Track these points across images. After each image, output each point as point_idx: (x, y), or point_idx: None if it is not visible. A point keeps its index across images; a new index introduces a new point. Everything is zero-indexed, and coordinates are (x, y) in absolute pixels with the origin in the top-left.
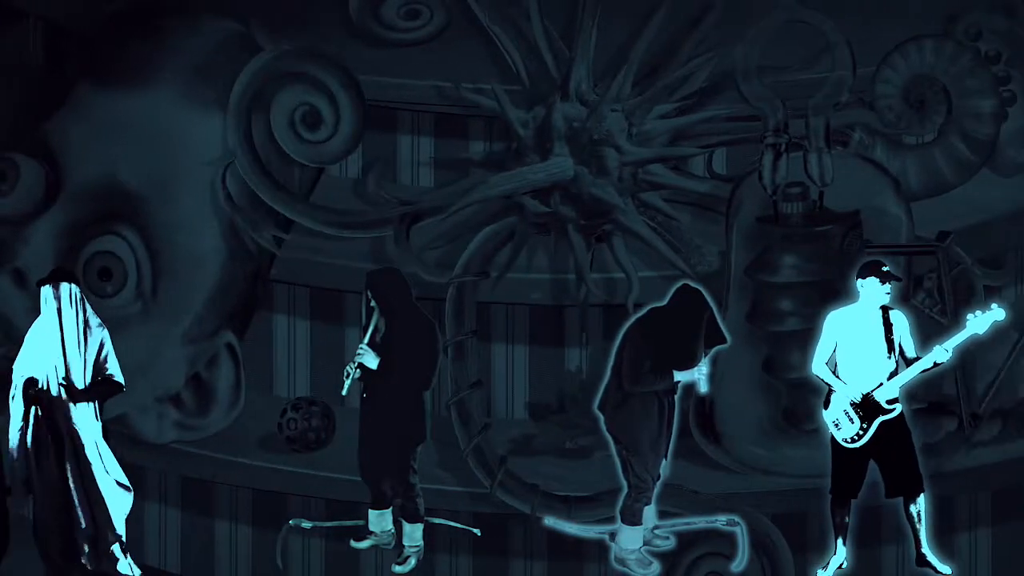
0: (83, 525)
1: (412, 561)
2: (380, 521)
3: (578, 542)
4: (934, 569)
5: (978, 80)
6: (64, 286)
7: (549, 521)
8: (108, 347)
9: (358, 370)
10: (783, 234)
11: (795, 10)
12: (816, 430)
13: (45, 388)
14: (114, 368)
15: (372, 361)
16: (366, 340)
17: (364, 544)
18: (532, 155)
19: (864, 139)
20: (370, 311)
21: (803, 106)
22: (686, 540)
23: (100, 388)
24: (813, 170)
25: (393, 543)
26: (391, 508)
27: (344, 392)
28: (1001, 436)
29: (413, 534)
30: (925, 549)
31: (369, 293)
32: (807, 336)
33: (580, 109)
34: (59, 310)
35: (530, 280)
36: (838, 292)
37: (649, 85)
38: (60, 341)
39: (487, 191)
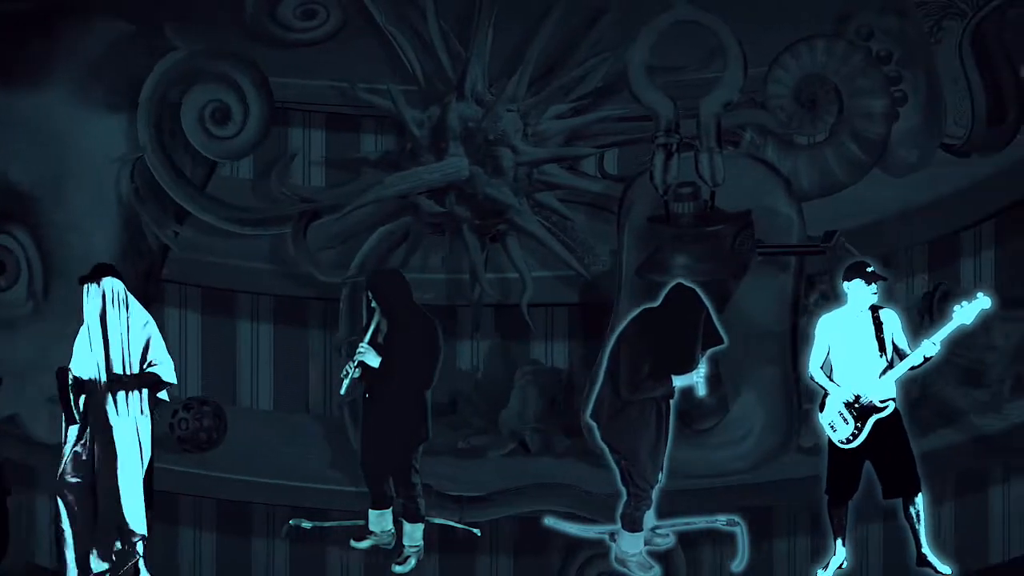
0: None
1: (412, 561)
2: (380, 521)
3: (471, 537)
4: (934, 569)
5: (869, 80)
6: (106, 282)
7: (549, 521)
8: (156, 342)
9: (358, 370)
10: (674, 234)
11: (686, 11)
12: (708, 430)
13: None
14: (162, 362)
15: (374, 360)
16: (367, 340)
17: (364, 544)
18: (427, 155)
19: (755, 139)
20: (371, 311)
21: (695, 106)
22: (576, 542)
23: (143, 378)
24: (704, 170)
25: (393, 543)
26: (391, 508)
27: (343, 391)
28: None
29: (413, 534)
30: (925, 549)
31: (370, 293)
32: None
33: (476, 109)
34: (103, 307)
35: (424, 280)
36: (729, 292)
37: (545, 85)
38: (103, 337)
39: (382, 191)
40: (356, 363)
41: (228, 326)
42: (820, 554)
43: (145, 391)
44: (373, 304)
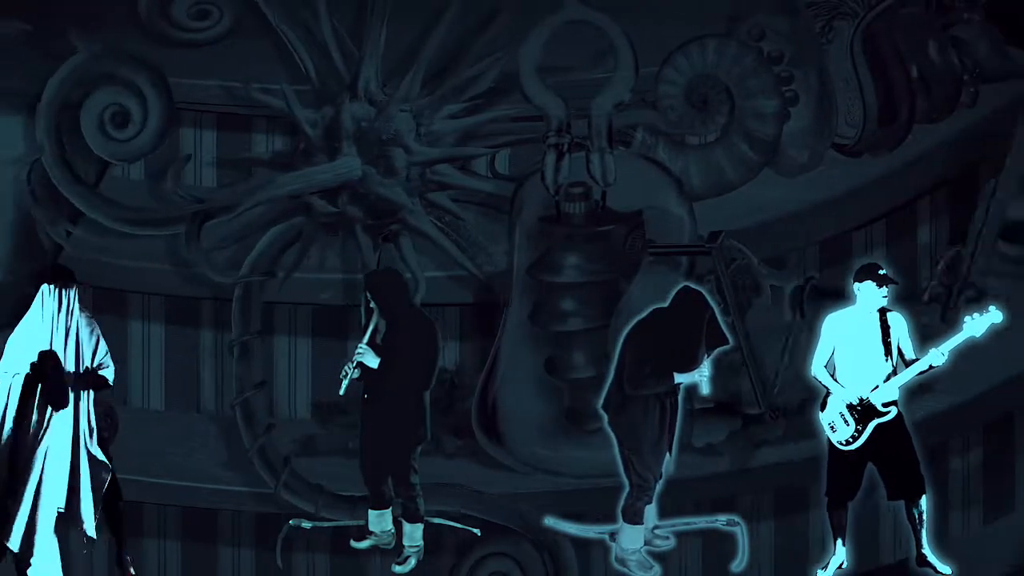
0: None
1: (412, 561)
2: (380, 521)
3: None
4: (934, 569)
5: (760, 80)
6: (63, 288)
7: (549, 521)
8: (102, 346)
9: (357, 370)
10: (565, 234)
11: (578, 11)
12: (599, 430)
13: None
14: (109, 365)
15: (372, 360)
16: (365, 340)
17: (364, 544)
18: (320, 155)
19: (647, 139)
20: (369, 312)
21: (586, 106)
22: (470, 540)
23: (96, 378)
24: (595, 170)
25: (393, 543)
26: (391, 508)
27: (341, 392)
28: (785, 436)
29: (413, 534)
30: (926, 550)
31: (368, 294)
32: (589, 336)
33: (369, 109)
34: (57, 309)
35: (318, 280)
36: (620, 292)
37: (438, 85)
38: (63, 340)
39: (275, 191)
40: (355, 364)
41: (120, 326)
42: (709, 551)
43: (91, 392)
44: (372, 304)
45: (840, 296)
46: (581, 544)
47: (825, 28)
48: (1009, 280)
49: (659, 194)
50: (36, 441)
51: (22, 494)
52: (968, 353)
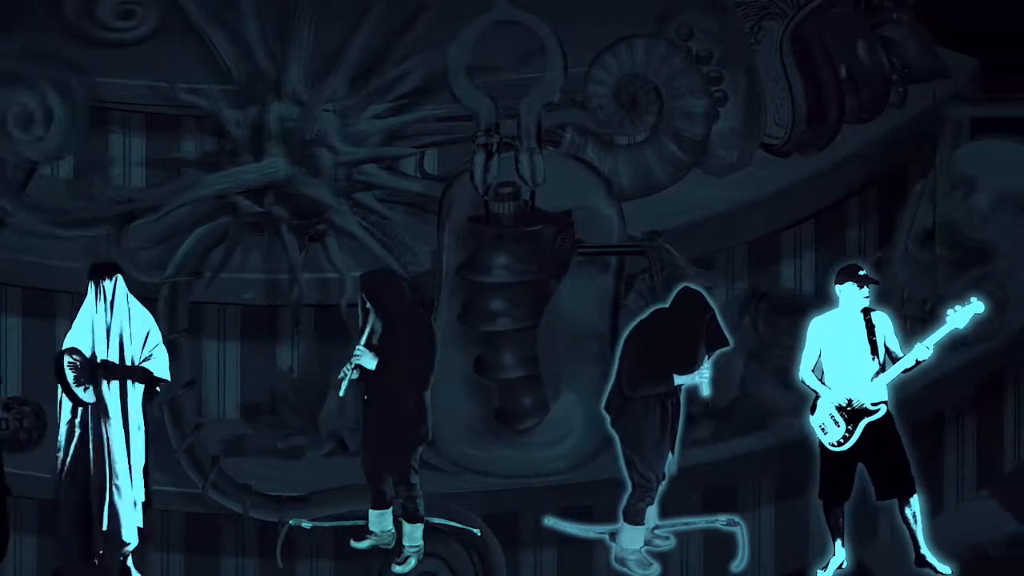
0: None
1: (412, 561)
2: (380, 521)
3: (285, 540)
4: (934, 569)
5: (689, 80)
6: (111, 279)
7: (549, 521)
8: (154, 338)
9: (355, 372)
10: (494, 234)
11: (507, 10)
12: (529, 430)
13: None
14: (157, 357)
15: (371, 362)
16: (363, 342)
17: (364, 544)
18: (246, 155)
19: (576, 139)
20: (366, 313)
21: (515, 106)
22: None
23: (138, 371)
24: (524, 170)
25: (393, 543)
26: (391, 508)
27: (341, 394)
28: (714, 436)
29: (413, 534)
30: (924, 550)
31: (365, 295)
32: (518, 336)
33: (294, 109)
34: (108, 303)
35: (244, 280)
36: (549, 292)
37: (364, 85)
38: (105, 335)
39: (201, 191)
40: (353, 366)
41: (47, 326)
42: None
43: (140, 385)
44: (368, 306)
45: (797, 310)
46: (511, 544)
47: (754, 28)
48: (935, 281)
49: (588, 194)
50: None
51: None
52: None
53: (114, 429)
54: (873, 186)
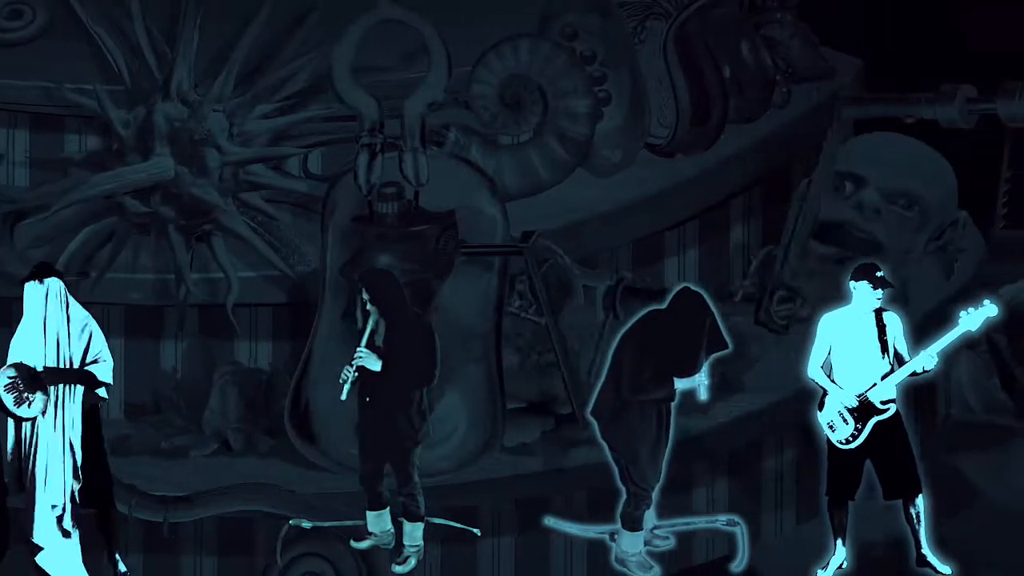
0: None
1: (412, 561)
2: (378, 522)
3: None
4: (934, 569)
5: (573, 80)
6: (48, 281)
7: (550, 521)
8: (96, 340)
9: (356, 373)
10: (378, 233)
11: (391, 10)
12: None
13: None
14: (104, 360)
15: (375, 364)
16: (363, 343)
17: (364, 544)
18: (133, 155)
19: (460, 139)
20: (366, 314)
21: (399, 106)
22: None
23: (82, 374)
24: (408, 170)
25: (393, 543)
26: (388, 508)
27: (343, 396)
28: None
29: (413, 533)
30: (925, 549)
31: (365, 295)
32: None
33: (182, 109)
34: (45, 305)
35: (131, 280)
36: (433, 292)
37: (250, 85)
38: (43, 337)
39: (88, 191)
40: (355, 368)
41: None
42: (523, 552)
43: (80, 388)
44: (369, 307)
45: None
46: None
47: (638, 28)
48: (821, 279)
49: (472, 194)
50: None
51: (31, 491)
52: (782, 352)
53: (44, 432)
54: (757, 186)
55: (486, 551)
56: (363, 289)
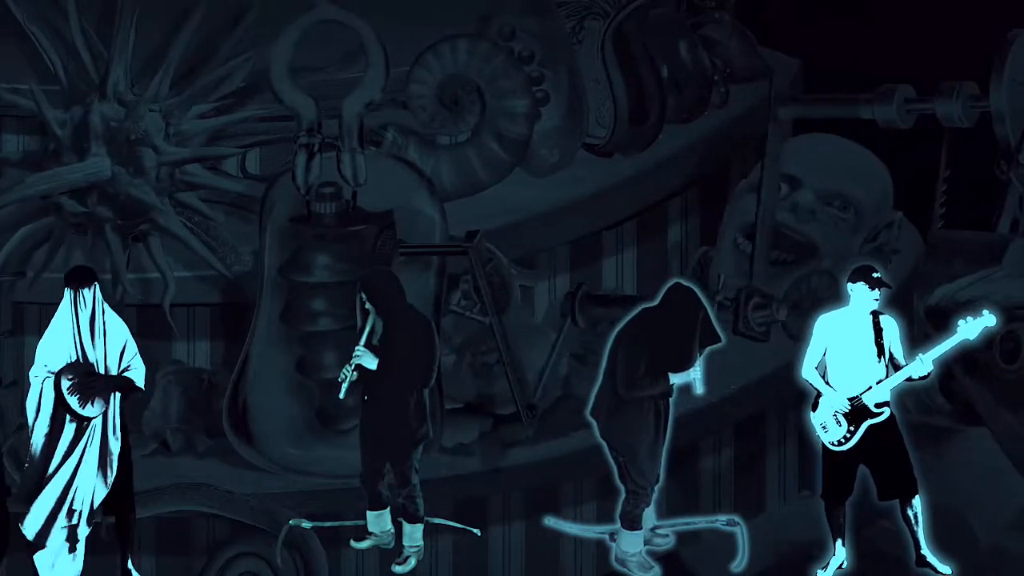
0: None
1: (412, 561)
2: (379, 522)
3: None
4: (934, 569)
5: (511, 80)
6: (90, 287)
7: (550, 521)
8: (131, 348)
9: (355, 372)
10: (316, 234)
11: (329, 10)
12: (350, 431)
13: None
14: (137, 367)
15: (371, 362)
16: (362, 342)
17: (364, 544)
18: (70, 155)
19: (398, 139)
20: (365, 313)
21: (337, 106)
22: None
23: (121, 380)
24: (346, 170)
25: (393, 543)
26: (388, 508)
27: (342, 395)
28: (536, 436)
29: (413, 534)
30: (924, 550)
31: (364, 295)
32: (340, 336)
33: (118, 109)
34: (89, 311)
35: None
36: None
37: (187, 85)
38: (77, 341)
39: (24, 191)
40: (353, 366)
41: None
42: (463, 552)
43: (118, 394)
44: (367, 306)
45: (614, 303)
46: (332, 543)
47: (576, 28)
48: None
49: (410, 194)
50: (59, 443)
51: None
52: (717, 353)
53: (111, 438)
54: (695, 186)
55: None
56: (361, 289)
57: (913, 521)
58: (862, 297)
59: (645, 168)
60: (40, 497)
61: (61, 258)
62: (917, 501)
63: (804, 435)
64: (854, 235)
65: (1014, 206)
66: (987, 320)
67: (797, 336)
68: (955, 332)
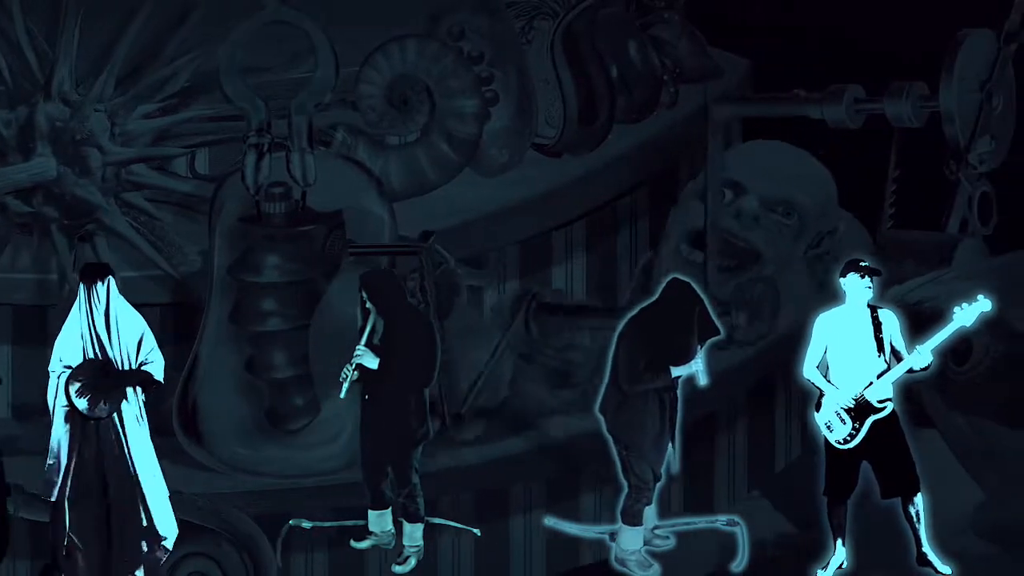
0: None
1: (412, 561)
2: (380, 521)
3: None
4: (934, 569)
5: (460, 80)
6: (103, 281)
7: (550, 522)
8: (148, 340)
9: (356, 372)
10: (265, 234)
11: (278, 10)
12: (299, 431)
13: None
14: (155, 360)
15: (372, 362)
16: (363, 341)
17: (364, 544)
18: (15, 155)
19: (347, 139)
20: (366, 312)
21: (286, 106)
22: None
23: (140, 374)
24: (296, 170)
25: (393, 543)
26: (390, 508)
27: (343, 395)
28: (484, 437)
29: (413, 534)
30: (926, 548)
31: (364, 295)
32: (289, 336)
33: (63, 109)
34: (104, 306)
35: (13, 280)
36: (320, 292)
37: (132, 85)
38: (93, 337)
39: None
40: (354, 366)
41: None
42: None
43: (139, 389)
44: (368, 305)
45: (567, 312)
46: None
47: (526, 28)
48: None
49: (359, 194)
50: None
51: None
52: None
53: (132, 430)
54: (644, 186)
55: (377, 554)
56: (362, 288)
57: (915, 519)
58: (855, 288)
59: (594, 168)
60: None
61: (7, 258)
62: (919, 499)
63: (753, 436)
64: (797, 241)
65: (963, 206)
66: (983, 305)
67: (750, 342)
68: (951, 320)
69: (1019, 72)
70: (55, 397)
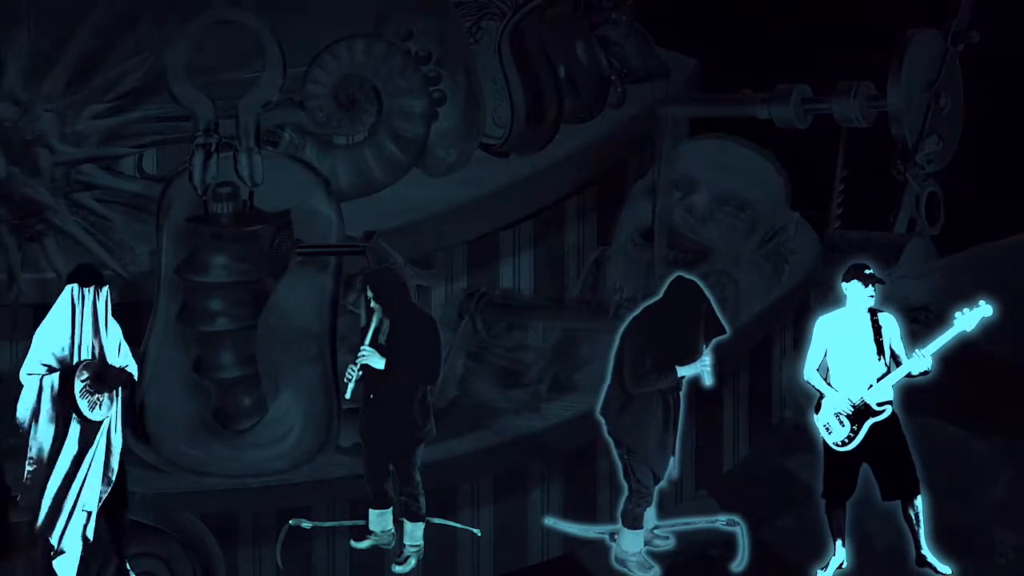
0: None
1: (412, 561)
2: (381, 521)
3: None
4: (934, 569)
5: (408, 80)
6: (99, 290)
7: (549, 521)
8: (124, 347)
9: (360, 372)
10: (213, 234)
11: (226, 10)
12: (247, 430)
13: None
14: (131, 364)
15: (378, 362)
16: (368, 341)
17: (364, 544)
18: None
19: (295, 139)
20: (370, 312)
21: (234, 106)
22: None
23: (125, 375)
24: (243, 170)
25: (393, 543)
26: (391, 508)
27: (348, 395)
28: (438, 436)
29: (414, 533)
30: (925, 550)
31: (369, 294)
32: (237, 336)
33: (13, 109)
34: (78, 308)
35: None
36: (268, 292)
37: (82, 85)
38: (88, 338)
39: None
40: (359, 366)
41: None
42: (360, 554)
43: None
44: (373, 304)
45: (516, 310)
46: (230, 544)
47: (473, 28)
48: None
49: (307, 194)
50: (65, 445)
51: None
52: (594, 359)
53: (93, 435)
54: (592, 186)
55: (320, 550)
56: (367, 287)
57: (914, 520)
58: (857, 295)
59: (542, 168)
60: (53, 502)
61: None
62: (919, 501)
63: (701, 435)
64: (750, 236)
65: (911, 206)
66: (984, 310)
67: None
68: (952, 324)
69: (966, 72)
70: (36, 400)
